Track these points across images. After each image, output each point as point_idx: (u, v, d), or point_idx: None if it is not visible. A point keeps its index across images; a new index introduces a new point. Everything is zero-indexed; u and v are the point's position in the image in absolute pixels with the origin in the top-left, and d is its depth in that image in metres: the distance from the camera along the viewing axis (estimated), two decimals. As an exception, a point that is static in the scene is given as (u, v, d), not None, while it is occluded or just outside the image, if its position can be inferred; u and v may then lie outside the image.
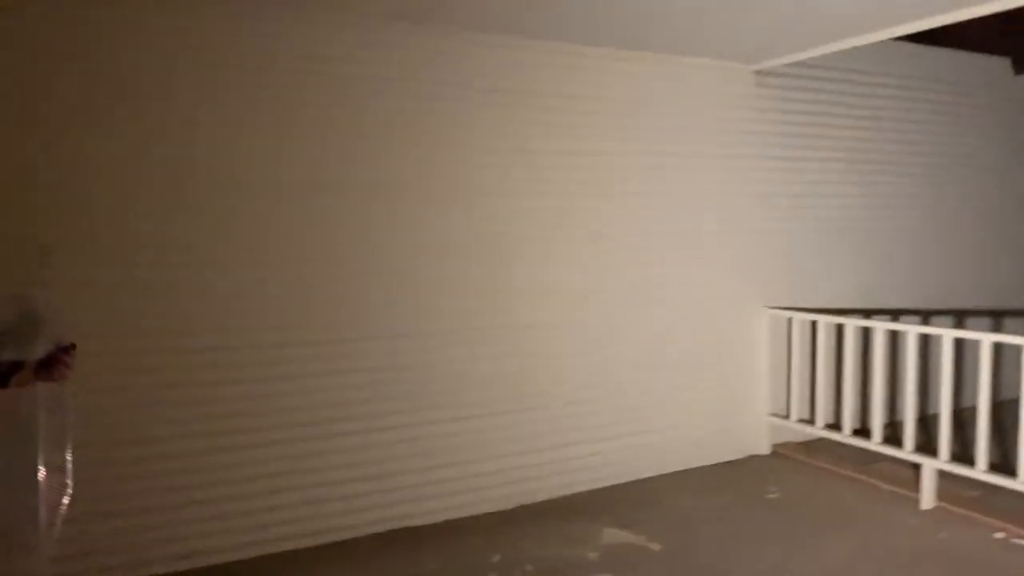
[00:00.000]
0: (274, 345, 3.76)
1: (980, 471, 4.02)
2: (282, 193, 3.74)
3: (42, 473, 3.18)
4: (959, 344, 4.36)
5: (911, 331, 4.38)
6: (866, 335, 4.99)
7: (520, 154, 4.29)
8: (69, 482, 3.25)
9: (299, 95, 3.74)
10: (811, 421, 4.99)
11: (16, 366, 2.16)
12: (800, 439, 5.27)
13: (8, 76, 3.22)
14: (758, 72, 5.04)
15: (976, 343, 4.06)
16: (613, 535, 3.92)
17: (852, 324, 4.75)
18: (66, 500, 3.25)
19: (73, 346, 2.29)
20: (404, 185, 4.01)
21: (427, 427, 4.14)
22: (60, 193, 3.33)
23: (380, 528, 4.01)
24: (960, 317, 5.99)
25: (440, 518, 4.16)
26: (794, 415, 5.09)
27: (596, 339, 4.60)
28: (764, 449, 5.20)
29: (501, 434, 4.33)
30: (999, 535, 3.90)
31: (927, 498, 4.27)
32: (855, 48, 4.51)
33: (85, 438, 3.36)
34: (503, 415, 4.33)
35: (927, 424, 4.80)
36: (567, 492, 4.49)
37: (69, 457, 3.25)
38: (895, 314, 5.63)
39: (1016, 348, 3.98)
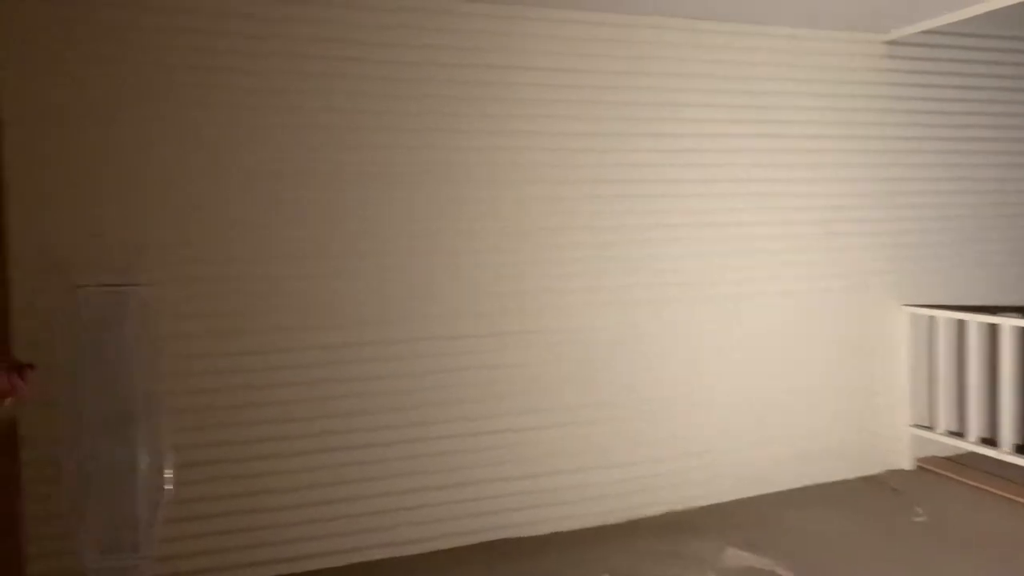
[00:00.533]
0: (379, 342, 3.61)
1: None
2: (389, 182, 3.59)
3: (142, 473, 3.15)
4: None
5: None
6: (1026, 337, 4.39)
7: (617, 139, 3.98)
8: (169, 483, 3.20)
9: (367, 86, 3.58)
10: (961, 434, 4.43)
11: None
12: (947, 453, 4.70)
13: (107, 78, 3.20)
14: (889, 43, 4.53)
15: None
16: (735, 557, 3.54)
17: (1009, 324, 4.17)
18: (166, 501, 3.20)
19: (31, 366, 2.08)
20: (499, 177, 3.79)
21: (531, 432, 3.88)
22: (156, 193, 3.28)
23: (480, 538, 3.78)
24: None
25: (545, 529, 3.88)
26: (940, 426, 4.54)
27: (712, 340, 4.22)
28: (906, 463, 4.66)
29: (610, 441, 4.02)
30: None
31: (1109, 525, 3.68)
32: (1000, 10, 3.95)
33: (185, 440, 3.31)
34: (612, 422, 4.02)
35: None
36: (682, 507, 4.13)
37: (168, 458, 3.20)
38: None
39: None
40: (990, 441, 4.27)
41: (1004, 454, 4.15)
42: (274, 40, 3.42)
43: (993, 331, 4.33)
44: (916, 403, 4.65)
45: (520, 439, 3.86)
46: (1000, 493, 4.21)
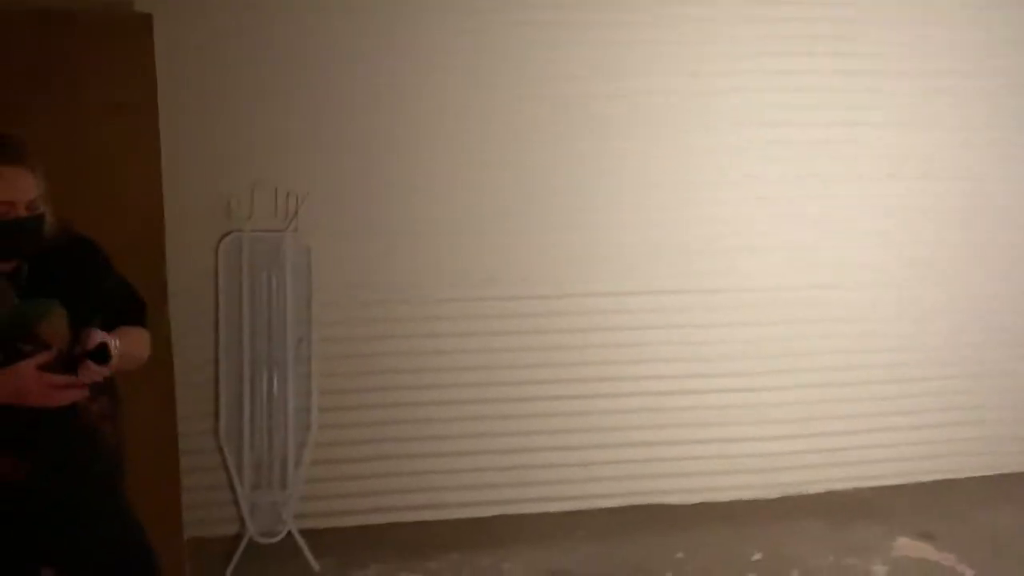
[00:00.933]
0: (552, 296, 3.47)
1: None
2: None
3: (291, 414, 3.23)
4: None
5: None
6: None
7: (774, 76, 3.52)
8: (316, 424, 3.27)
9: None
10: None
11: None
12: None
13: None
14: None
15: None
16: (908, 547, 3.20)
17: None
18: (312, 442, 3.27)
19: (105, 350, 1.69)
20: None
21: (695, 396, 3.62)
22: (312, 143, 3.24)
23: (624, 502, 3.61)
24: None
25: (695, 499, 3.66)
26: None
27: (904, 304, 3.76)
28: None
29: (773, 413, 3.69)
30: None
31: None
32: None
33: (334, 385, 3.36)
34: (776, 390, 3.68)
35: None
36: (846, 486, 3.77)
37: (315, 399, 3.26)
38: None
39: None
40: None
41: None
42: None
43: None
44: None
45: (679, 404, 3.63)
46: None
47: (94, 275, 1.92)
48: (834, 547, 3.21)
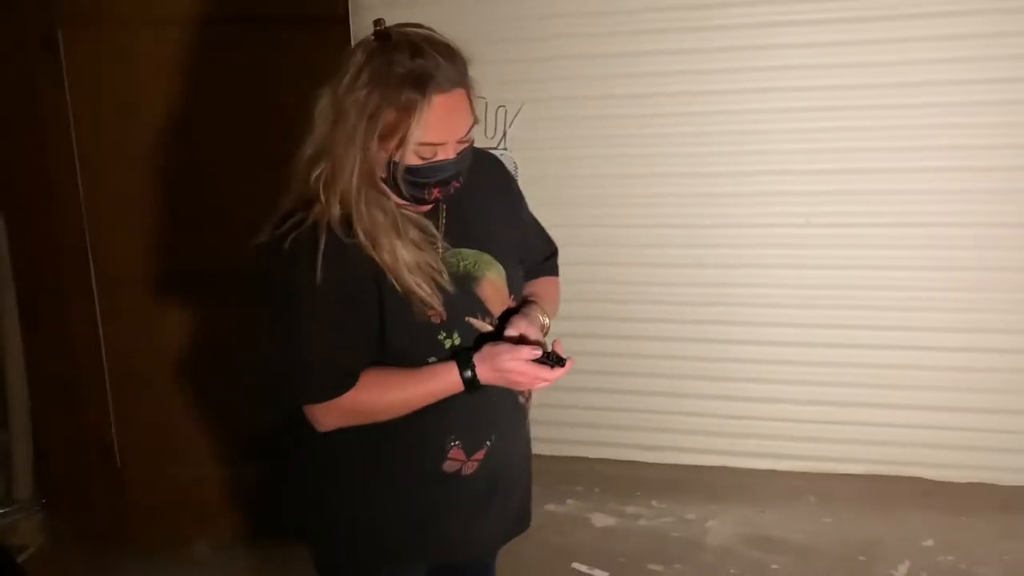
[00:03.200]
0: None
1: None
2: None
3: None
4: None
5: None
6: None
7: None
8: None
9: None
10: None
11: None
12: None
13: None
14: None
15: None
16: None
17: None
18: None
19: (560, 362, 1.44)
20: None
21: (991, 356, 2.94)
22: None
23: (870, 469, 3.07)
24: None
25: (963, 476, 2.99)
26: None
27: None
28: None
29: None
30: None
31: None
32: None
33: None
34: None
35: None
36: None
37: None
38: None
39: None
40: None
41: None
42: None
43: None
44: None
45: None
46: None
47: (513, 209, 1.61)
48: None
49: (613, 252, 3.17)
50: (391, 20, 1.35)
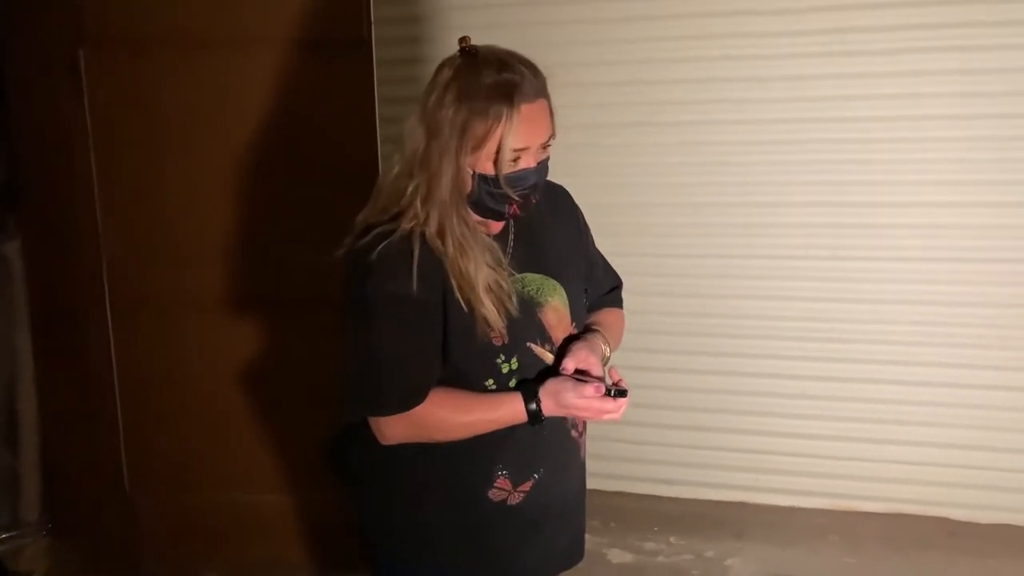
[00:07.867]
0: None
1: None
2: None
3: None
4: None
5: None
6: None
7: None
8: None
9: None
10: None
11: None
12: None
13: None
14: None
15: None
16: None
17: None
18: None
19: (622, 393, 1.43)
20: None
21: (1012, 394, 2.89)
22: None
23: (892, 508, 3.02)
24: None
25: (988, 518, 2.95)
26: None
27: None
28: None
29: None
30: None
31: None
32: None
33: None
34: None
35: None
36: None
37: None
38: None
39: None
40: None
41: None
42: None
43: None
44: None
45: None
46: None
47: (579, 239, 1.62)
48: None
49: (629, 282, 3.13)
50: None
